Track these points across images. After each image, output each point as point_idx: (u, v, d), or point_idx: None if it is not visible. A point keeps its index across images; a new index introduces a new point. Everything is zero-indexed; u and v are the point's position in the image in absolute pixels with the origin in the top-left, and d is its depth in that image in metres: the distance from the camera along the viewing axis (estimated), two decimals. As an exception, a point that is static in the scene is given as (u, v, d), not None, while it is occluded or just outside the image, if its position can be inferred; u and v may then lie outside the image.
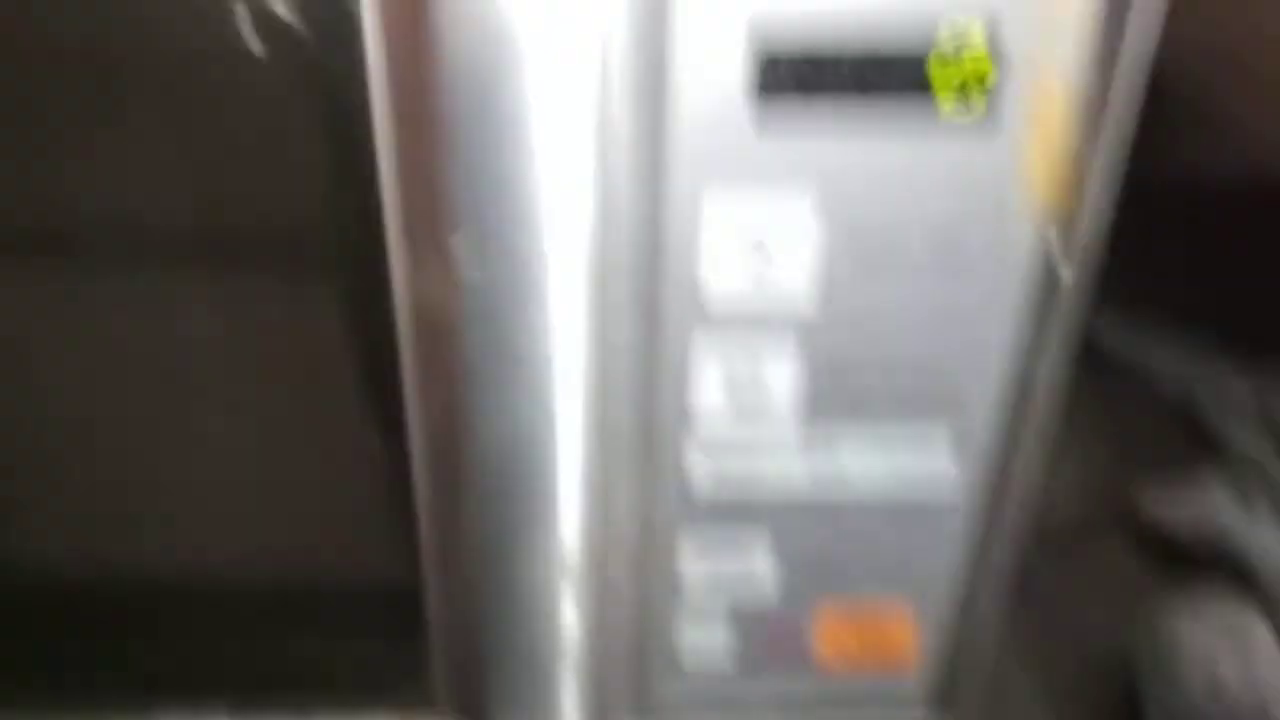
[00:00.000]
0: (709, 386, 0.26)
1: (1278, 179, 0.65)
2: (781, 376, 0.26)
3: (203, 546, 0.32)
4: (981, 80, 0.22)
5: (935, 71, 0.22)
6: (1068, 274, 0.24)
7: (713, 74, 0.22)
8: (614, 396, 0.26)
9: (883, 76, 0.22)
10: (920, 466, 0.27)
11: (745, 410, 0.26)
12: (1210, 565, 0.46)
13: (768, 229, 0.24)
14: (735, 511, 0.28)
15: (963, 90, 0.22)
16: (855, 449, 0.27)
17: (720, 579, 0.29)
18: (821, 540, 0.29)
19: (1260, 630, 0.40)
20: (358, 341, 0.26)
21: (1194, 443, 0.55)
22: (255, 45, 0.22)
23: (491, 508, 0.28)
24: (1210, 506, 0.49)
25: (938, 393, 0.26)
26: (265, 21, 0.22)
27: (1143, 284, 0.63)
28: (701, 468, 0.27)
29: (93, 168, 0.24)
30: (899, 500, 0.28)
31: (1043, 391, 0.26)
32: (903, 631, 0.31)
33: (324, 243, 0.25)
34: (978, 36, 0.21)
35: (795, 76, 0.22)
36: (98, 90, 0.23)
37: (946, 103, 0.22)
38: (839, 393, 0.26)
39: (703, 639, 0.30)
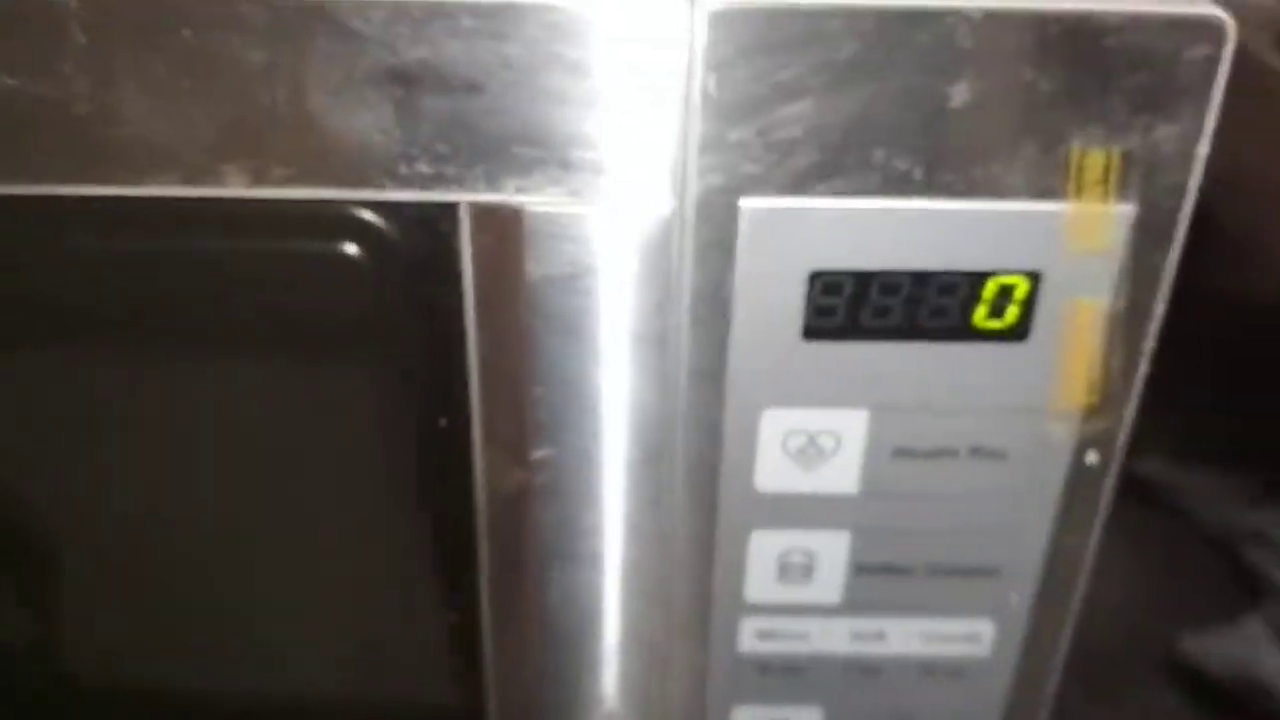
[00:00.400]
0: (762, 569, 0.29)
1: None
2: (829, 556, 0.28)
3: (275, 674, 0.34)
4: (1017, 296, 0.24)
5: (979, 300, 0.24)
6: (1094, 458, 0.27)
7: (772, 313, 0.25)
8: (669, 575, 0.29)
9: (928, 321, 0.25)
10: (959, 628, 0.29)
11: (795, 585, 0.29)
12: (1248, 706, 0.47)
13: (818, 436, 0.26)
14: (785, 674, 0.30)
15: (998, 303, 0.25)
16: (897, 612, 0.29)
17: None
18: (867, 702, 0.31)
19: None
20: (438, 504, 0.29)
21: (1235, 582, 0.56)
22: (361, 259, 0.26)
23: (550, 657, 0.30)
24: (1250, 648, 0.50)
25: (976, 564, 0.28)
26: (373, 239, 0.25)
27: (1189, 423, 0.64)
28: (752, 635, 0.30)
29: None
30: (938, 658, 0.30)
31: (1074, 561, 0.28)
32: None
33: (412, 426, 0.28)
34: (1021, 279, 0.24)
35: (845, 324, 0.25)
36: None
37: (981, 315, 0.25)
38: (883, 567, 0.28)
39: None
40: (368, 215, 0.25)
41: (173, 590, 0.32)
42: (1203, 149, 0.23)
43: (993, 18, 0.22)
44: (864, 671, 0.30)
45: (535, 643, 0.30)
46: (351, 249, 0.26)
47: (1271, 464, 0.60)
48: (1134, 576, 0.56)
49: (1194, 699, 0.48)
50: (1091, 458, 0.27)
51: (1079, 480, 0.27)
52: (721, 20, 0.21)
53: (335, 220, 0.25)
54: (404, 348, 0.26)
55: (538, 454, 0.27)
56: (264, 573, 0.30)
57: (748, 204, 0.24)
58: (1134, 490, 0.63)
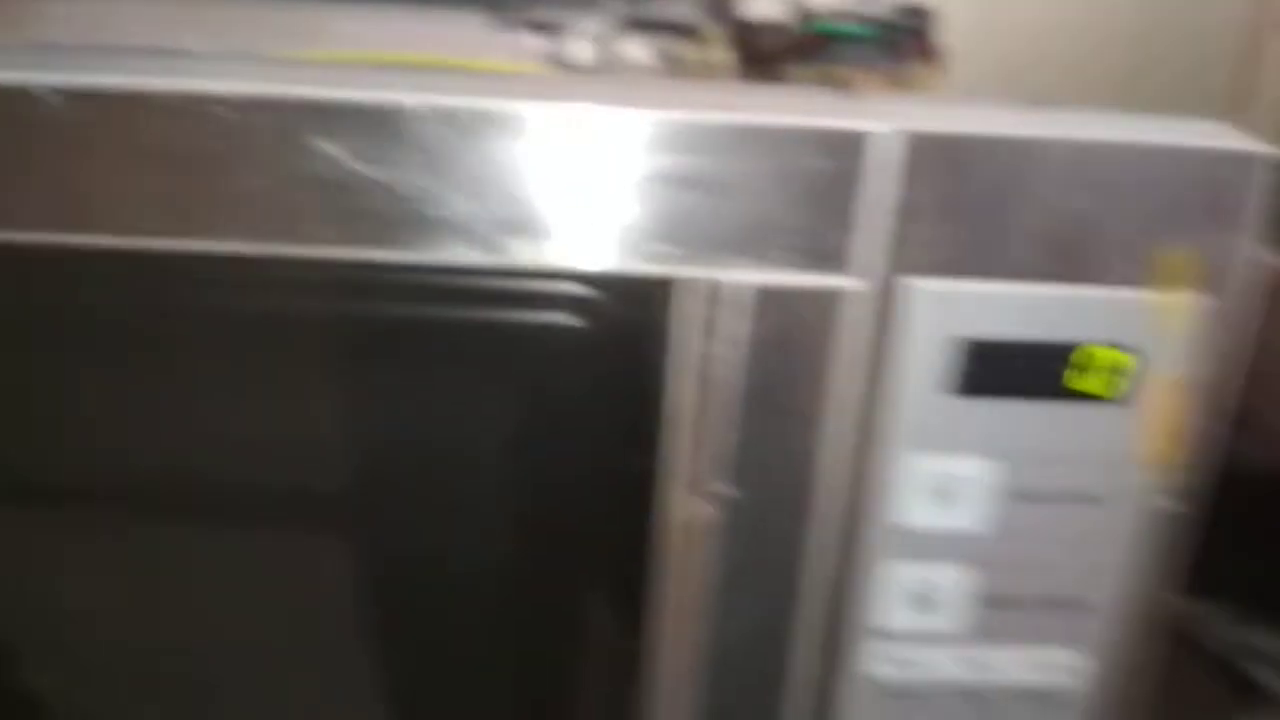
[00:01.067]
0: (895, 599, 0.34)
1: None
2: (952, 587, 0.34)
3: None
4: (1122, 371, 0.31)
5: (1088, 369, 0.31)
6: (1175, 506, 0.33)
7: (921, 373, 0.31)
8: (816, 607, 0.34)
9: (1049, 382, 0.31)
10: (1057, 658, 0.35)
11: (921, 613, 0.34)
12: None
13: (951, 482, 0.32)
14: (902, 694, 0.35)
15: (1105, 373, 0.31)
16: (1006, 642, 0.34)
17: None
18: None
19: None
20: (627, 536, 0.34)
21: (1235, 692, 0.61)
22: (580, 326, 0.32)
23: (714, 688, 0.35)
24: (1259, 747, 0.55)
25: (1076, 595, 0.34)
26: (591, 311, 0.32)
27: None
28: (882, 659, 0.35)
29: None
30: (1038, 686, 0.35)
31: (1155, 601, 0.34)
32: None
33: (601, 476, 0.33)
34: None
35: (983, 381, 0.31)
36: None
37: (1091, 383, 0.31)
38: (997, 599, 0.34)
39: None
40: (585, 290, 0.31)
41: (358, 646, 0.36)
42: (1256, 248, 0.30)
43: (1096, 149, 0.29)
44: (974, 698, 0.35)
45: (695, 669, 0.34)
46: (573, 320, 0.32)
47: (1250, 590, 0.67)
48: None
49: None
50: (1173, 506, 0.33)
51: (1161, 525, 0.33)
52: (917, 142, 0.29)
53: (562, 297, 0.31)
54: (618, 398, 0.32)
55: (718, 489, 0.32)
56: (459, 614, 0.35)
57: (913, 283, 0.30)
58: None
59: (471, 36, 0.44)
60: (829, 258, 0.30)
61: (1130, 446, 0.32)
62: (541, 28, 0.43)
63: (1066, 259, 0.30)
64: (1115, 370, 0.31)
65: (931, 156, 0.29)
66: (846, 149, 0.29)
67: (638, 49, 0.42)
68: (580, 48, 0.41)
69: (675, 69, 0.41)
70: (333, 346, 0.33)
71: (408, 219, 0.29)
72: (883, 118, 0.29)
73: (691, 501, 0.33)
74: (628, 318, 0.31)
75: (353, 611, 0.36)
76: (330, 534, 0.36)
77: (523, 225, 0.29)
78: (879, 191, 0.29)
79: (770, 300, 0.31)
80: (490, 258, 0.29)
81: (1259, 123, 0.82)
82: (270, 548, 0.36)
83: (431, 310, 0.32)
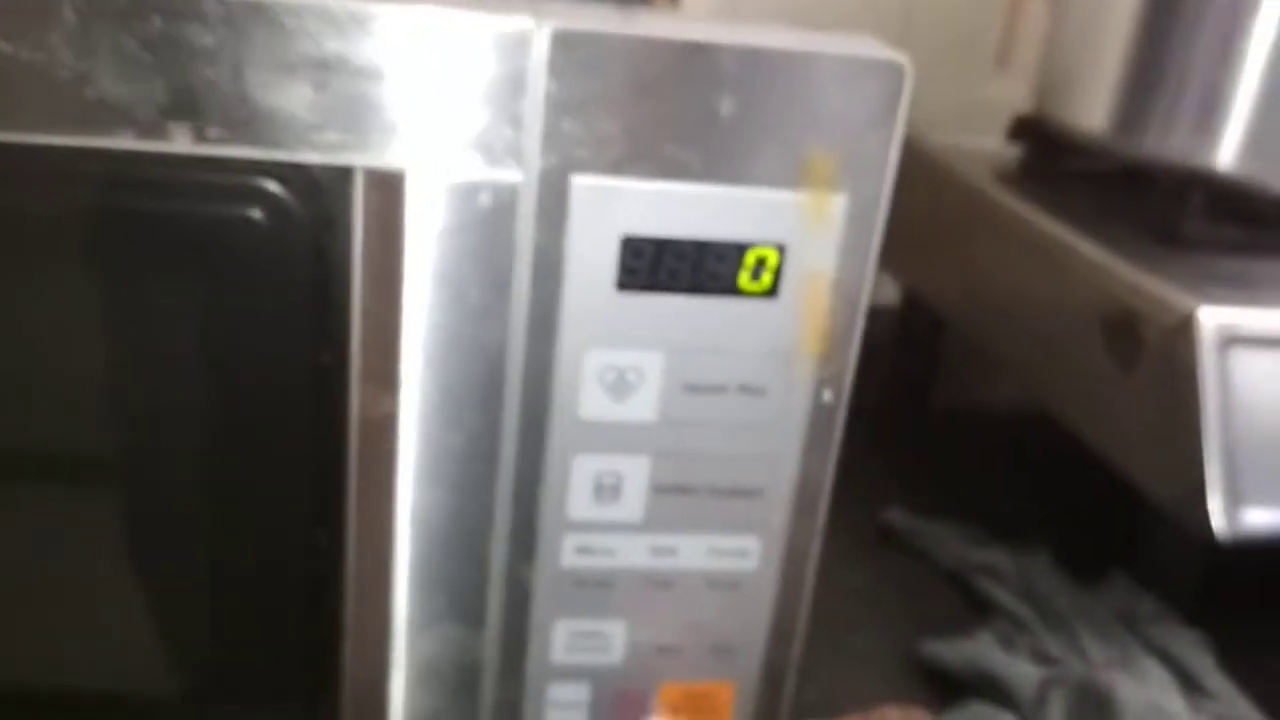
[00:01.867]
0: (581, 489, 0.36)
1: (1036, 409, 0.80)
2: (633, 478, 0.36)
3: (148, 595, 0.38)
4: (770, 265, 0.33)
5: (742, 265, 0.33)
6: (829, 395, 0.36)
7: (593, 270, 0.33)
8: (505, 498, 0.36)
9: (707, 282, 0.33)
10: (733, 543, 0.37)
11: (606, 505, 0.36)
12: (979, 692, 0.56)
13: (626, 372, 0.34)
14: (596, 588, 0.37)
15: (757, 269, 0.34)
16: (685, 529, 0.37)
17: (582, 640, 0.38)
18: (662, 613, 0.38)
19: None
20: (316, 431, 0.35)
21: (970, 608, 0.66)
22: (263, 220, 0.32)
23: (406, 573, 0.36)
24: (982, 650, 0.59)
25: (745, 485, 0.36)
26: (274, 206, 0.32)
27: (932, 488, 0.76)
28: (572, 551, 0.37)
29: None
30: (717, 570, 0.37)
31: (817, 486, 0.37)
32: (724, 694, 0.39)
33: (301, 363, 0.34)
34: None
35: (647, 280, 0.33)
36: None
37: (745, 279, 0.34)
38: (674, 487, 0.36)
39: (567, 694, 0.38)
40: (272, 185, 0.32)
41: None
42: (894, 153, 0.33)
43: (748, 53, 0.31)
44: (660, 585, 0.37)
45: (389, 559, 0.36)
46: (256, 213, 0.32)
47: (991, 514, 0.72)
48: (886, 605, 0.66)
49: (931, 686, 0.57)
50: (827, 396, 0.36)
51: (819, 415, 0.36)
52: (561, 39, 0.30)
53: (245, 189, 0.32)
54: (298, 295, 0.33)
55: (404, 386, 0.34)
56: (150, 499, 0.35)
57: (578, 180, 0.32)
58: (879, 535, 0.74)
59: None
60: (503, 153, 0.32)
61: (784, 340, 0.35)
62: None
63: (720, 160, 0.32)
64: (766, 267, 0.34)
65: (583, 53, 0.31)
66: (511, 45, 0.31)
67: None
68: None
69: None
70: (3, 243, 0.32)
71: (62, 101, 0.29)
72: (544, 17, 0.31)
73: (378, 396, 0.34)
74: (309, 212, 0.32)
75: (48, 517, 0.36)
76: (19, 442, 0.35)
77: (189, 110, 0.30)
78: (541, 88, 0.31)
79: (448, 194, 0.32)
80: (153, 144, 0.30)
81: (1019, 80, 0.87)
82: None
83: (109, 201, 0.32)
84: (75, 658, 0.39)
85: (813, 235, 0.33)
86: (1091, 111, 0.78)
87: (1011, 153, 0.86)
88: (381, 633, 0.36)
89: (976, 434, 0.86)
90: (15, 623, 0.38)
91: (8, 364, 0.34)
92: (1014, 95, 0.86)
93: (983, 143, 0.86)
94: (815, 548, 0.38)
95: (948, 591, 0.68)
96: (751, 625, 0.38)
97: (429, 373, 0.34)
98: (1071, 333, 0.69)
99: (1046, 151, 0.83)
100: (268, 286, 0.33)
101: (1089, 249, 0.70)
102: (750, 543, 0.37)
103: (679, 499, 0.36)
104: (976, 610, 0.66)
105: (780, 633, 0.39)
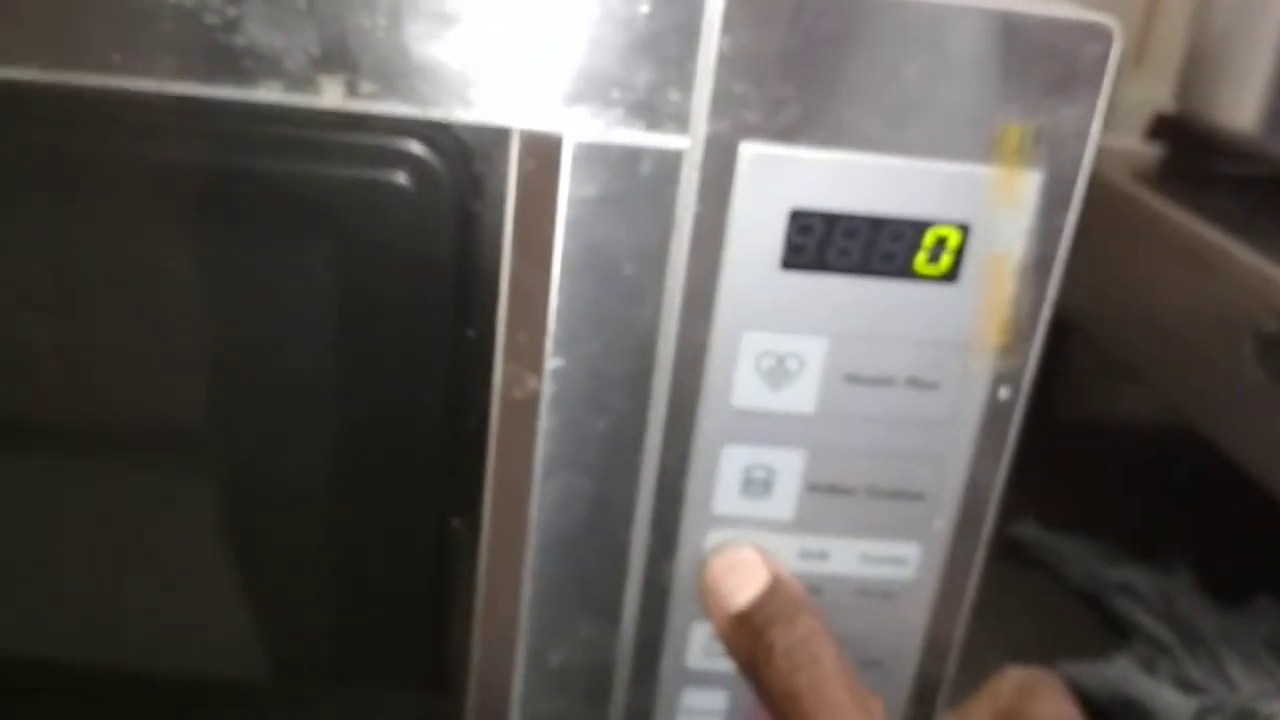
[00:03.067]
0: (729, 482, 0.33)
1: (1167, 421, 0.75)
2: (787, 473, 0.33)
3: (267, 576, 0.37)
4: (950, 245, 0.30)
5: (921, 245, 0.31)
6: (1006, 393, 0.32)
7: (757, 245, 0.30)
8: (647, 488, 0.33)
9: (879, 263, 0.31)
10: (890, 550, 0.34)
11: (755, 500, 0.33)
12: (1120, 719, 0.52)
13: (786, 359, 0.32)
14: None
15: (935, 250, 0.31)
16: (839, 532, 0.34)
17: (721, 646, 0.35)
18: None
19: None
20: (458, 408, 0.33)
21: (1104, 628, 0.62)
22: (409, 185, 0.31)
23: (539, 561, 0.34)
24: (1122, 675, 0.55)
25: (907, 487, 0.33)
26: (420, 170, 0.30)
27: (1060, 501, 0.72)
28: (715, 544, 0.34)
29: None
30: (870, 578, 0.35)
31: (987, 491, 0.34)
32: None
33: (445, 336, 0.32)
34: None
35: (815, 258, 0.30)
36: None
37: (922, 261, 0.31)
38: (830, 486, 0.33)
39: (702, 701, 0.36)
40: (418, 147, 0.30)
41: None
42: (1095, 127, 0.29)
43: (939, 10, 0.28)
44: (807, 591, 0.35)
45: (524, 550, 0.34)
46: (401, 178, 0.30)
47: (1126, 531, 0.68)
48: (1011, 623, 0.62)
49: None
50: (1004, 393, 0.33)
51: (994, 413, 0.33)
52: (739, -8, 0.28)
53: (390, 151, 0.30)
54: (442, 266, 0.31)
55: (552, 364, 0.31)
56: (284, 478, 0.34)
57: (746, 148, 0.29)
58: (1009, 550, 0.70)
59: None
60: (667, 117, 0.29)
61: (962, 329, 0.32)
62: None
63: (902, 128, 0.30)
64: (947, 248, 0.31)
65: (760, 6, 0.28)
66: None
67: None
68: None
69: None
70: (130, 198, 0.31)
71: (208, 48, 0.27)
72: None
73: (523, 375, 0.32)
74: (457, 177, 0.30)
75: (167, 495, 0.35)
76: (139, 413, 0.34)
77: (341, 62, 0.28)
78: (714, 45, 0.28)
79: (607, 160, 0.30)
80: (301, 97, 0.28)
81: (1155, 77, 0.83)
82: (92, 417, 0.34)
83: (245, 161, 0.30)
84: (187, 640, 0.37)
85: (1000, 215, 0.30)
86: (1240, 110, 0.73)
87: (1149, 152, 0.81)
88: (511, 626, 0.34)
89: (1104, 447, 0.82)
90: (131, 603, 0.37)
91: (129, 331, 0.32)
92: (1150, 94, 0.82)
93: (1118, 141, 0.82)
94: (979, 559, 0.35)
95: (1079, 610, 0.64)
96: (904, 639, 0.36)
97: (575, 352, 0.31)
98: (1220, 341, 0.65)
99: (1190, 151, 0.78)
100: (410, 256, 0.31)
101: (1242, 253, 0.66)
102: (909, 550, 0.34)
103: (834, 499, 0.34)
104: (1110, 631, 0.62)
105: (935, 648, 0.36)
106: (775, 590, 0.32)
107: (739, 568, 0.33)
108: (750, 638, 0.32)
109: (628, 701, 0.36)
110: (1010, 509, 0.73)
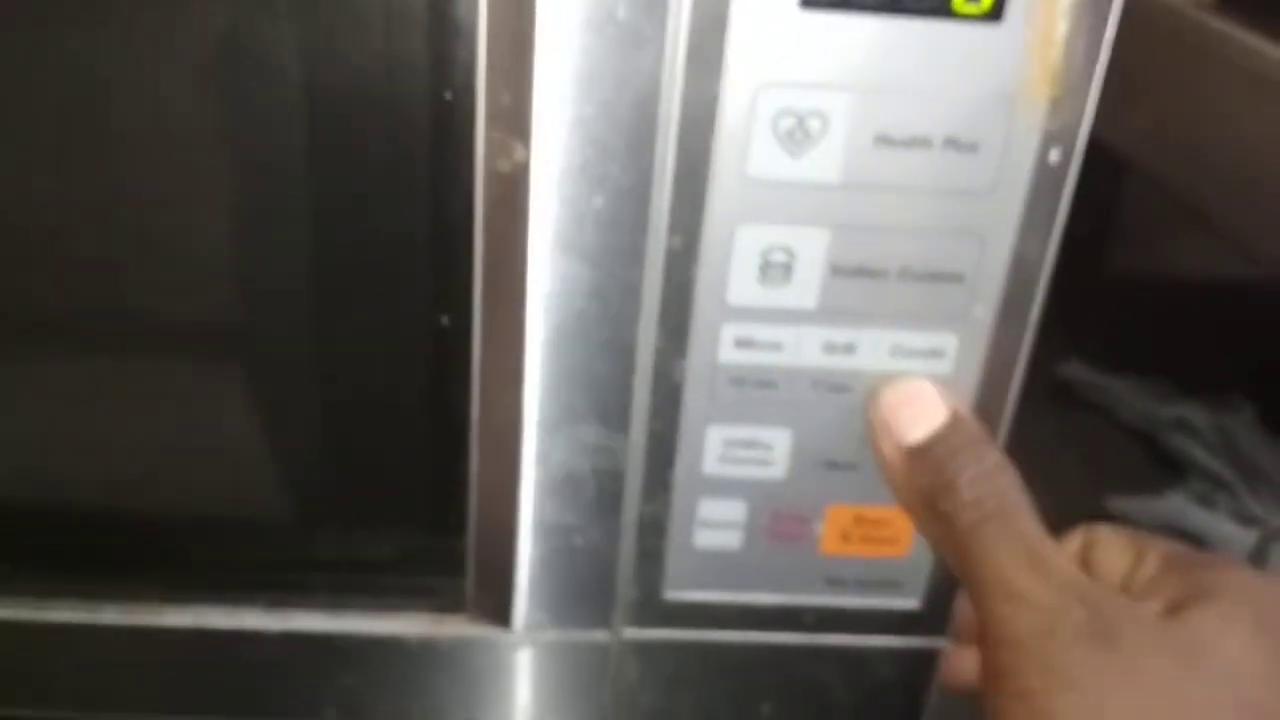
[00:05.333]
0: (745, 268, 0.30)
1: (1233, 273, 0.71)
2: (809, 255, 0.30)
3: (247, 430, 0.34)
4: (990, -33, 0.26)
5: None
6: (1057, 156, 0.29)
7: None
8: (653, 275, 0.30)
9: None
10: (924, 341, 0.31)
11: (774, 287, 0.30)
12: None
13: (807, 118, 0.28)
14: (758, 388, 0.32)
15: (973, -17, 0.27)
16: (867, 321, 0.31)
17: (739, 449, 0.32)
18: (834, 424, 0.32)
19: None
20: (434, 208, 0.30)
21: (1157, 466, 0.59)
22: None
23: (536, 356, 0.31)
24: (1177, 509, 0.52)
25: (944, 268, 0.30)
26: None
27: (1111, 345, 0.68)
28: (731, 344, 0.31)
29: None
30: (903, 373, 0.31)
31: (1034, 272, 0.30)
32: (903, 523, 0.34)
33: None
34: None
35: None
36: None
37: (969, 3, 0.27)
38: (857, 269, 0.30)
39: (719, 511, 0.33)
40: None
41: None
42: None
43: None
44: (832, 388, 0.32)
45: (521, 347, 0.31)
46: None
47: (1180, 368, 0.64)
48: (1060, 463, 0.59)
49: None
50: (1054, 156, 0.29)
51: (1043, 180, 0.29)
52: None
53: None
54: (414, 19, 0.27)
55: (539, 130, 0.28)
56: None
57: None
58: (1056, 390, 0.66)
59: None
60: None
61: (1006, 78, 0.28)
62: None
63: None
64: (990, -21, 0.27)
65: None
66: None
67: None
68: None
69: None
70: None
71: None
72: None
73: (507, 143, 0.28)
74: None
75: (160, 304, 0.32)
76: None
77: None
78: None
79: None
80: None
81: None
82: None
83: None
84: (181, 476, 0.35)
85: (1052, -65, 0.26)
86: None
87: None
88: (512, 433, 0.32)
89: (1160, 294, 0.77)
90: (124, 438, 0.34)
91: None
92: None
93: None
94: (1024, 352, 0.32)
95: (1132, 449, 0.61)
96: (941, 441, 0.32)
97: (566, 115, 0.28)
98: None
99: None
100: (380, 10, 0.27)
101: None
102: (946, 340, 0.31)
103: (862, 283, 0.30)
104: (1164, 469, 0.59)
105: (974, 451, 0.33)
106: (956, 424, 0.30)
107: (916, 400, 0.31)
108: (930, 471, 0.30)
109: (640, 512, 0.33)
110: (1057, 351, 0.69)
